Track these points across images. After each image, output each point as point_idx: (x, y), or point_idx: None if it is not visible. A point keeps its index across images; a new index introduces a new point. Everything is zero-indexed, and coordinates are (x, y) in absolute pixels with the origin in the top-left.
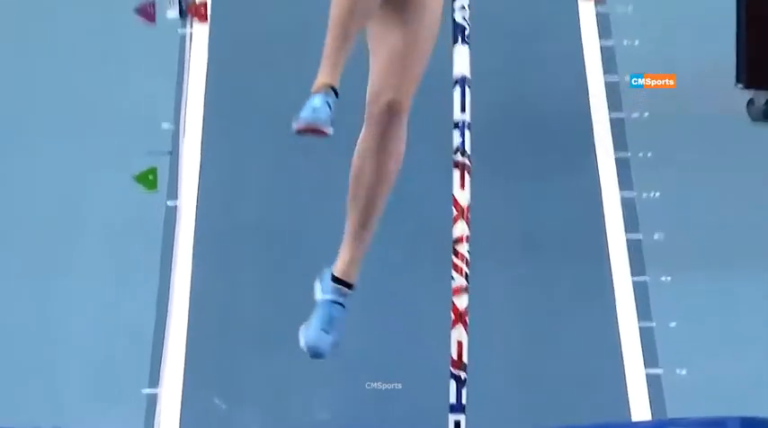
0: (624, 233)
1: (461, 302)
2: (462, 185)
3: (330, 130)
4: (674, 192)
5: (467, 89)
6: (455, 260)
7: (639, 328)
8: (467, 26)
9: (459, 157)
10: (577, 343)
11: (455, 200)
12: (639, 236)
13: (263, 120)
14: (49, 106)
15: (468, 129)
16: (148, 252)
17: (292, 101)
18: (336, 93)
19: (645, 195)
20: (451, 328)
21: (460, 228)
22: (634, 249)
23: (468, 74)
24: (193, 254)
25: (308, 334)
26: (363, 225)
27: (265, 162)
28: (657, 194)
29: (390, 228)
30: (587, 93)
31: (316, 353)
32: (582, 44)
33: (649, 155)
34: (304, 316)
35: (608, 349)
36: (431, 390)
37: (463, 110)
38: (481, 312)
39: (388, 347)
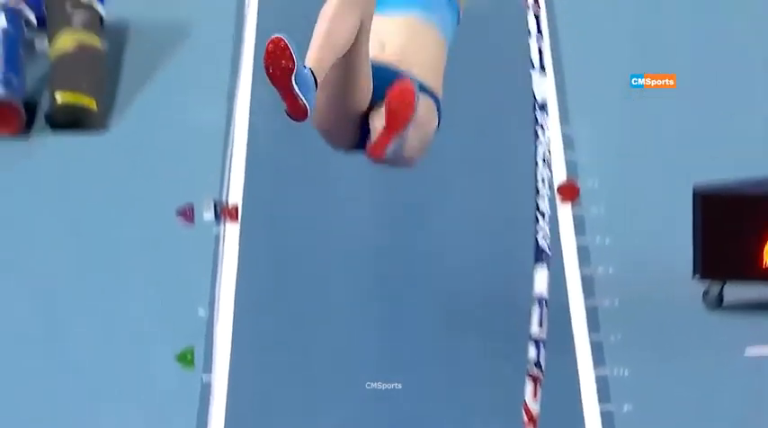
0: (598, 404)
1: None
2: (535, 395)
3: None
4: (641, 370)
5: (545, 308)
6: None
7: None
8: (548, 251)
9: (533, 370)
10: None
11: (527, 407)
12: (611, 407)
13: (290, 308)
14: (100, 292)
15: (544, 345)
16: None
17: (317, 284)
18: (317, 82)
19: (616, 372)
20: None
21: None
22: (607, 419)
23: (546, 295)
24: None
25: None
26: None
27: (292, 342)
28: (627, 371)
29: None
30: (565, 285)
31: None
32: (560, 242)
33: (620, 337)
34: None
35: None
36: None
37: (541, 326)
38: None
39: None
